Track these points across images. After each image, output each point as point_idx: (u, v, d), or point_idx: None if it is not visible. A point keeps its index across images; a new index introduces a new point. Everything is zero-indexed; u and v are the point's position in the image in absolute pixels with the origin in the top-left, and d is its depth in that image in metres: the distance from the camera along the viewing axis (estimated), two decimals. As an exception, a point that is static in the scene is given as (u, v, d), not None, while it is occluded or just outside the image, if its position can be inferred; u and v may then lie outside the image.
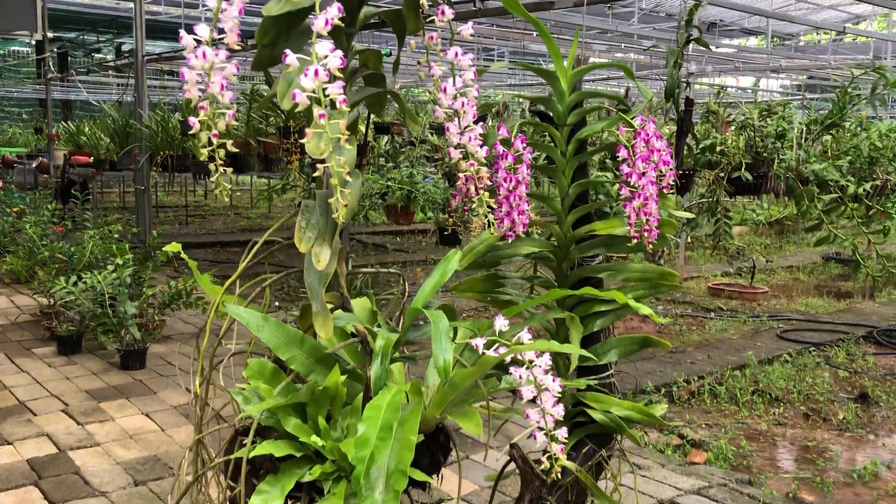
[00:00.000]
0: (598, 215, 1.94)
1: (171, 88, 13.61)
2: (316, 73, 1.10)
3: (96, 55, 19.76)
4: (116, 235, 6.46)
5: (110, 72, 12.37)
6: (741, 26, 15.41)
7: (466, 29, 1.51)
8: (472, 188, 1.56)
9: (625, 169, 1.70)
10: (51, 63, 10.73)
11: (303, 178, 6.50)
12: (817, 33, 19.93)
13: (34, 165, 12.33)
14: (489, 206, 1.56)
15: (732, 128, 7.41)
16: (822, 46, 18.79)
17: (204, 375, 1.53)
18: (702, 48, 4.79)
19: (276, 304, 7.02)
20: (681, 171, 3.82)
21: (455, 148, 1.54)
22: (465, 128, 1.53)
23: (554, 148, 1.77)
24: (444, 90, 1.48)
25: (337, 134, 1.14)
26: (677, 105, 3.81)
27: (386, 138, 7.98)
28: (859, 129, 5.41)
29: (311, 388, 1.37)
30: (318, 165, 1.18)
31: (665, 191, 1.74)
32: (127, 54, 14.00)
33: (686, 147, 4.02)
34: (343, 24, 1.20)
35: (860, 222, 4.73)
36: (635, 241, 1.69)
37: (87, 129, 11.02)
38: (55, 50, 16.37)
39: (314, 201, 1.33)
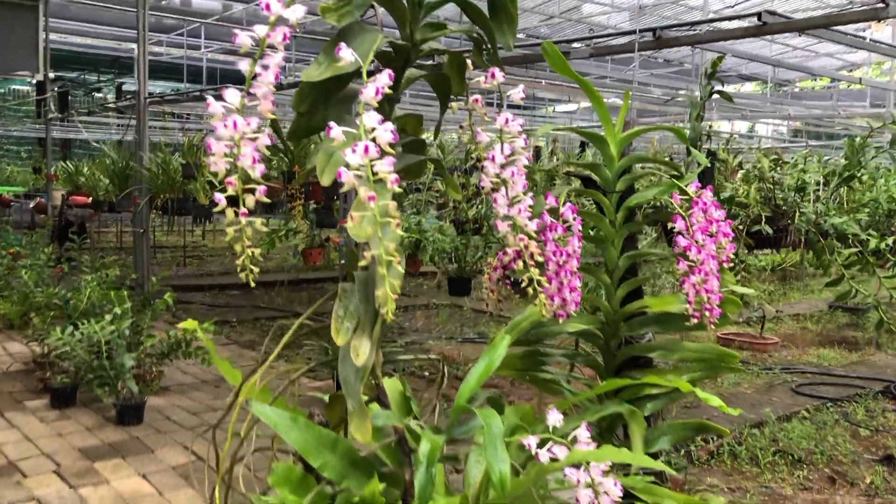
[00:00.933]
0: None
1: (173, 130, 13.56)
2: (366, 149, 0.96)
3: (97, 95, 19.78)
4: (114, 281, 6.30)
5: (110, 112, 12.31)
6: (738, 72, 15.49)
7: (517, 92, 1.37)
8: (521, 264, 1.41)
9: (681, 241, 1.56)
10: (51, 103, 10.64)
11: (306, 224, 6.37)
12: (813, 80, 20.07)
13: (32, 206, 12.19)
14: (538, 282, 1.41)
15: (739, 175, 7.30)
16: (818, 93, 18.92)
17: (224, 480, 1.36)
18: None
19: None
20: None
21: (502, 220, 1.39)
22: (514, 198, 1.39)
23: (602, 217, 1.63)
24: (492, 158, 1.35)
25: (386, 218, 0.99)
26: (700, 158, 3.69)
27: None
28: (875, 180, 5.31)
29: (346, 501, 1.20)
30: (366, 253, 1.03)
31: (725, 265, 1.60)
32: (129, 95, 13.96)
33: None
34: (391, 92, 1.07)
35: (883, 277, 4.60)
36: (695, 320, 1.54)
37: (86, 169, 10.90)
38: (56, 89, 16.36)
39: (352, 284, 1.18)
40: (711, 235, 1.58)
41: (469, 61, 1.39)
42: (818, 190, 4.71)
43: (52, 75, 11.57)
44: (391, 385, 1.53)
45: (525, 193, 1.39)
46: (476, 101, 1.41)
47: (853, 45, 4.31)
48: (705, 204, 1.58)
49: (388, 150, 0.99)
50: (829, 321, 9.52)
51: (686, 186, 1.61)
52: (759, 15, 3.27)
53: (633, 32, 3.85)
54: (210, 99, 1.05)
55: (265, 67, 1.05)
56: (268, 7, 1.02)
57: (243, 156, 1.05)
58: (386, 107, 1.27)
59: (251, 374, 1.49)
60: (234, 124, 1.03)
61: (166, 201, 7.66)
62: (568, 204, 1.52)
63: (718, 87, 3.66)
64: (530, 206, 1.39)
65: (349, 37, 1.09)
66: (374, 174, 1.00)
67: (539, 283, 1.39)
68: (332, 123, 1.00)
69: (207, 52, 14.35)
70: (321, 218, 6.43)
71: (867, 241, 4.61)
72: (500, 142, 1.38)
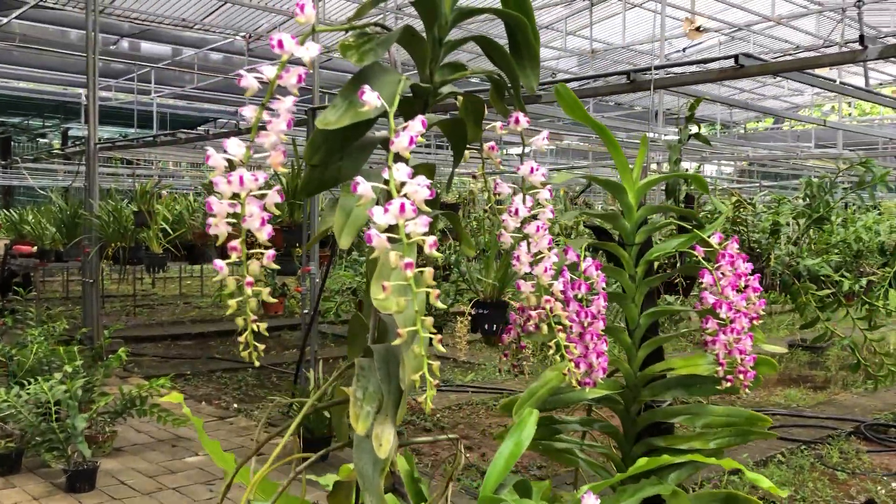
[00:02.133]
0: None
1: (122, 176, 13.23)
2: (402, 207, 0.82)
3: (41, 140, 19.27)
4: (62, 334, 5.99)
5: (56, 158, 11.95)
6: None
7: (540, 139, 1.25)
8: (545, 328, 1.27)
9: (708, 298, 1.44)
10: (-4, 150, 10.29)
11: (263, 272, 6.15)
12: (757, 121, 20.61)
13: (-28, 256, 11.69)
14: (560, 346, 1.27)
15: (701, 215, 7.27)
16: (764, 133, 19.40)
17: None
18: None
19: (235, 405, 6.56)
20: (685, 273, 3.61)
21: (524, 279, 1.25)
22: (537, 255, 1.25)
23: (621, 271, 1.50)
24: (516, 212, 1.21)
25: (424, 288, 0.84)
26: (677, 202, 3.63)
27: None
28: (843, 222, 5.33)
29: None
30: (400, 331, 0.88)
31: (755, 322, 1.48)
32: (77, 141, 13.59)
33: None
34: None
35: (856, 318, 4.57)
36: (727, 383, 1.42)
37: (31, 217, 10.50)
38: (10, 136, 15.92)
39: (371, 361, 1.03)
40: (740, 291, 1.47)
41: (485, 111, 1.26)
42: (789, 232, 4.70)
43: (-4, 121, 11.19)
44: (398, 464, 1.37)
45: (549, 249, 1.26)
46: (492, 147, 1.28)
47: (826, 87, 4.33)
48: (732, 256, 1.47)
49: (425, 208, 0.85)
50: (790, 360, 9.56)
51: (709, 237, 1.50)
52: (735, 57, 3.24)
53: (609, 75, 3.79)
54: (210, 151, 0.90)
55: (275, 114, 0.90)
56: (280, 45, 0.88)
57: (249, 216, 0.90)
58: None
59: (242, 463, 1.32)
60: (241, 180, 0.88)
61: (118, 250, 7.36)
62: (590, 259, 1.39)
63: (695, 130, 3.61)
64: (554, 264, 1.26)
65: (371, 78, 0.95)
66: (408, 236, 0.85)
67: (567, 348, 1.25)
68: (358, 179, 0.85)
69: (158, 96, 14.11)
70: (281, 265, 6.21)
71: (840, 283, 4.60)
72: (523, 193, 1.25)
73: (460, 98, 1.21)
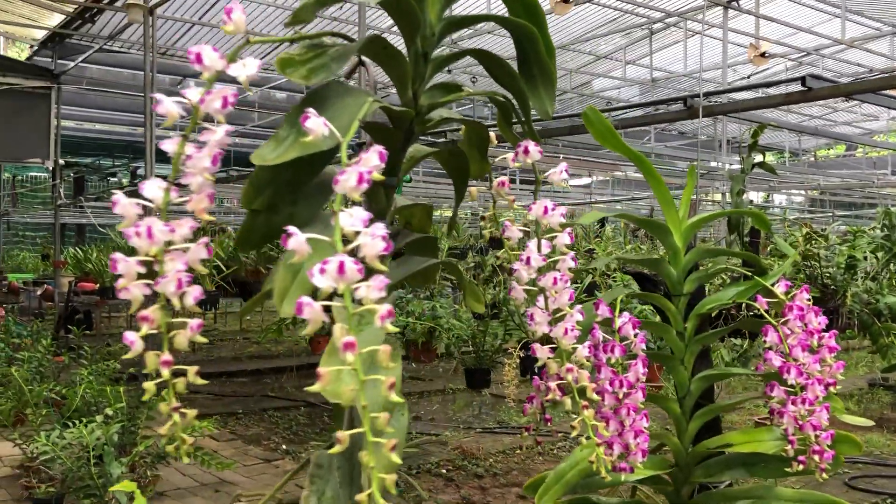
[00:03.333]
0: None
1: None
2: (341, 266, 0.61)
3: (112, 179, 19.83)
4: (114, 372, 5.95)
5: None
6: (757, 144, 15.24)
7: (557, 173, 1.03)
8: (569, 401, 1.04)
9: (773, 359, 1.19)
10: (61, 190, 10.54)
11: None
12: (828, 148, 19.83)
13: (39, 293, 11.96)
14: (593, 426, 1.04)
15: (769, 249, 6.92)
16: (835, 161, 18.65)
17: None
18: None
19: (284, 446, 6.40)
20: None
21: (542, 343, 1.03)
22: (557, 313, 1.03)
23: (668, 327, 1.26)
24: (527, 261, 0.99)
25: (376, 374, 0.63)
26: (741, 236, 3.34)
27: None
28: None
29: None
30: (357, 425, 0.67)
31: (832, 389, 1.22)
32: (140, 178, 13.86)
33: (753, 283, 3.53)
34: (382, 177, 0.72)
35: (945, 361, 4.17)
36: (800, 465, 1.16)
37: (94, 255, 10.69)
38: (71, 175, 16.39)
39: (329, 455, 0.82)
40: (813, 351, 1.21)
41: (493, 134, 1.05)
42: (867, 267, 4.34)
43: (62, 161, 11.48)
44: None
45: (572, 306, 1.04)
46: (502, 184, 1.07)
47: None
48: (802, 309, 1.22)
49: (378, 265, 0.64)
50: (870, 400, 8.97)
51: (774, 285, 1.25)
52: (802, 80, 2.96)
53: (664, 102, 3.55)
54: (118, 196, 0.71)
55: (198, 146, 0.71)
56: (199, 60, 0.69)
57: (165, 277, 0.71)
58: (382, 197, 0.93)
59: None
60: (150, 232, 0.69)
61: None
62: (627, 315, 1.16)
63: (759, 159, 3.33)
64: (579, 323, 1.04)
65: (325, 102, 0.76)
66: (357, 302, 0.65)
67: (595, 428, 1.02)
68: (291, 229, 0.65)
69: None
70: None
71: (926, 322, 4.20)
72: (537, 238, 1.03)
73: (464, 128, 1.01)
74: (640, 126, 3.76)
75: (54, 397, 5.54)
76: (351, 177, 0.64)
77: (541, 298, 1.04)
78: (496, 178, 1.08)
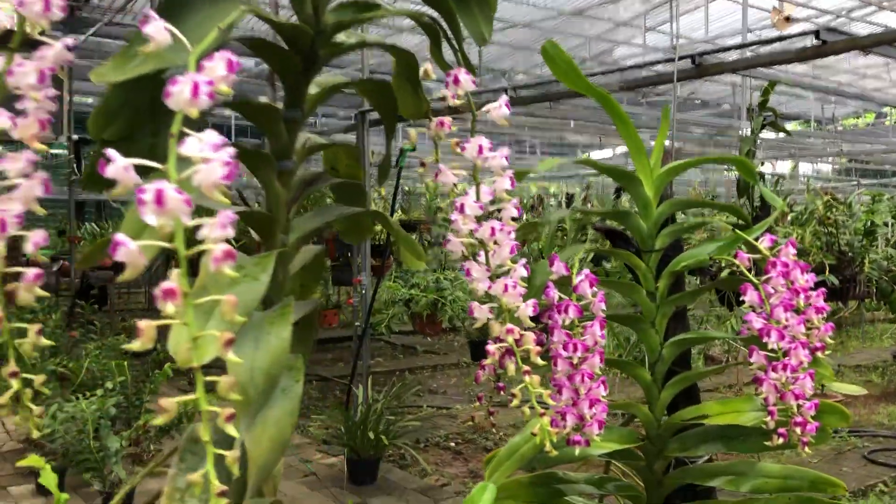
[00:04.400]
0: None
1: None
2: (159, 197, 0.50)
3: (130, 155, 19.82)
4: (121, 348, 5.91)
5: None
6: (780, 111, 14.90)
7: (497, 108, 0.90)
8: (511, 367, 0.93)
9: (754, 321, 1.06)
10: (74, 166, 10.53)
11: (320, 285, 5.93)
12: (856, 117, 19.34)
13: (55, 269, 12.01)
14: (540, 401, 0.92)
15: (789, 218, 6.72)
16: (864, 130, 18.17)
17: None
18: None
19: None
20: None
21: (482, 303, 0.92)
22: (499, 269, 0.91)
23: (637, 287, 1.14)
24: (461, 208, 0.88)
25: (216, 331, 0.52)
26: (752, 201, 3.19)
27: (413, 237, 7.45)
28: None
29: None
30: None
31: (819, 354, 1.10)
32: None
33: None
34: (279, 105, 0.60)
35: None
36: (780, 439, 1.04)
37: (109, 230, 10.69)
38: (89, 152, 16.42)
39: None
40: (798, 312, 1.08)
41: (429, 66, 0.92)
42: (887, 233, 4.16)
43: (76, 137, 11.45)
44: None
45: (515, 261, 0.92)
46: (440, 124, 0.94)
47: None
48: (786, 265, 1.09)
49: (218, 196, 0.53)
50: (895, 373, 8.76)
51: (757, 240, 1.12)
52: (816, 33, 2.79)
53: (669, 60, 3.39)
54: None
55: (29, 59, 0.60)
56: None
57: (-9, 218, 0.60)
58: (282, 131, 0.81)
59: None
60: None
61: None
62: (585, 272, 1.03)
63: (771, 118, 3.17)
64: (524, 280, 0.92)
65: (188, 7, 0.64)
66: (195, 244, 0.53)
67: (540, 397, 0.90)
68: (110, 153, 0.53)
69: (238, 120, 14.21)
70: (337, 275, 5.98)
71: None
72: (476, 184, 0.91)
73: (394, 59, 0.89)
74: (648, 86, 3.59)
75: (64, 371, 5.51)
76: (184, 88, 0.53)
77: (482, 254, 0.92)
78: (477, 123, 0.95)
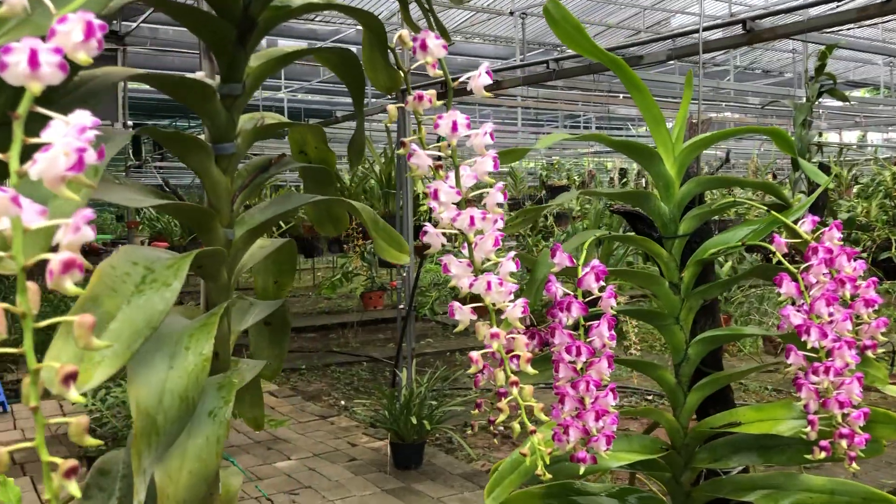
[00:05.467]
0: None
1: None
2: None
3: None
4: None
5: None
6: (846, 79, 14.30)
7: (477, 76, 0.78)
8: (501, 375, 0.82)
9: (792, 317, 0.92)
10: (130, 151, 10.71)
11: (365, 266, 5.87)
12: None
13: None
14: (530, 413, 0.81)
15: (854, 191, 6.40)
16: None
17: None
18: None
19: (342, 402, 6.33)
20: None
21: (464, 302, 0.80)
22: (485, 263, 0.80)
23: (658, 278, 1.00)
24: (435, 195, 0.76)
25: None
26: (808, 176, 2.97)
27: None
28: None
29: None
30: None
31: (871, 353, 0.95)
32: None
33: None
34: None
35: None
36: (823, 453, 0.90)
37: (164, 214, 10.84)
38: (146, 139, 16.73)
39: (118, 458, 0.61)
40: (845, 305, 0.94)
41: (405, 33, 0.80)
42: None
43: (130, 123, 11.64)
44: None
45: (500, 253, 0.80)
46: (419, 98, 0.82)
47: None
48: (830, 251, 0.94)
49: (69, 194, 0.42)
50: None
51: (797, 224, 0.97)
52: (880, -11, 2.56)
53: (719, 27, 3.18)
54: None
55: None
56: None
57: None
58: (220, 111, 0.70)
59: None
60: None
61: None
62: (593, 263, 0.90)
63: (830, 85, 2.94)
64: (513, 275, 0.80)
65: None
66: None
67: (530, 411, 0.79)
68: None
69: (288, 91, 14.23)
70: (384, 259, 5.88)
71: None
72: (455, 166, 0.79)
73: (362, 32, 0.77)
74: (693, 55, 3.37)
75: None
76: (21, 59, 0.42)
77: (464, 246, 0.80)
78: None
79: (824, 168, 3.08)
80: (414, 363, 4.77)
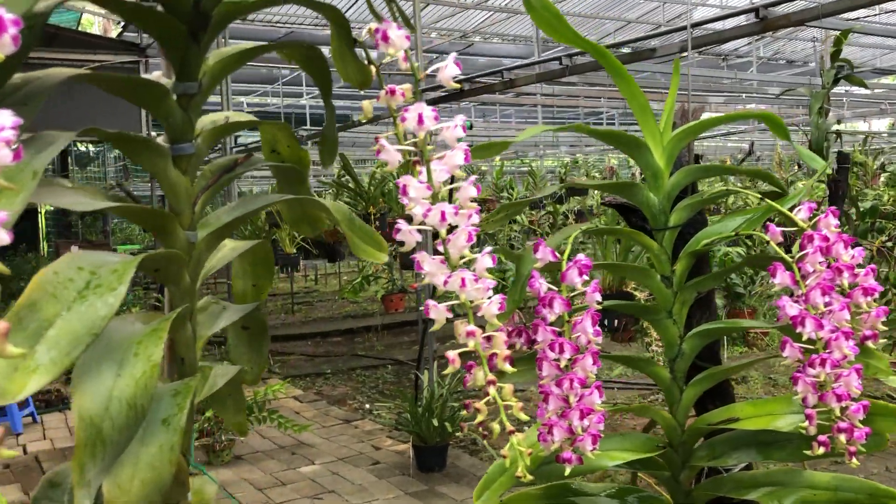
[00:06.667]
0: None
1: (266, 179, 13.60)
2: None
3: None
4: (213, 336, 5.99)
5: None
6: (873, 66, 14.06)
7: (444, 67, 0.76)
8: (480, 375, 0.80)
9: (788, 308, 0.89)
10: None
11: (386, 269, 5.87)
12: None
13: (142, 262, 12.39)
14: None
15: (882, 179, 6.28)
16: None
17: None
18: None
19: (367, 406, 6.33)
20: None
21: (437, 299, 0.78)
22: (461, 260, 0.78)
23: (649, 272, 0.98)
24: (404, 190, 0.74)
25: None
26: (828, 161, 2.91)
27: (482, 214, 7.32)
28: None
29: None
30: None
31: (871, 344, 0.92)
32: (235, 147, 14.06)
33: (843, 216, 3.08)
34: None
35: None
36: (821, 449, 0.87)
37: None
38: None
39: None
40: (843, 294, 0.91)
41: (373, 25, 0.78)
42: None
43: (153, 134, 11.77)
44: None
45: (475, 248, 0.78)
46: (391, 92, 0.80)
47: None
48: (826, 240, 0.91)
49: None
50: None
51: (793, 211, 0.94)
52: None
53: (732, 16, 3.13)
54: None
55: None
56: None
57: None
58: (176, 110, 0.69)
59: None
60: None
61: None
62: (581, 257, 0.88)
63: (846, 71, 2.88)
64: (490, 271, 0.78)
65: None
66: None
67: (509, 410, 0.77)
68: None
69: (309, 98, 14.30)
70: (405, 261, 5.90)
71: None
72: (425, 160, 0.77)
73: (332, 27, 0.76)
74: (708, 45, 3.28)
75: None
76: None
77: (438, 242, 0.78)
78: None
79: (843, 157, 3.02)
80: (436, 365, 4.75)
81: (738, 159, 7.32)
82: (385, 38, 0.72)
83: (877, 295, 0.92)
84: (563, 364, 0.84)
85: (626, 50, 3.97)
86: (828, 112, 2.89)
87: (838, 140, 3.06)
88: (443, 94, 4.99)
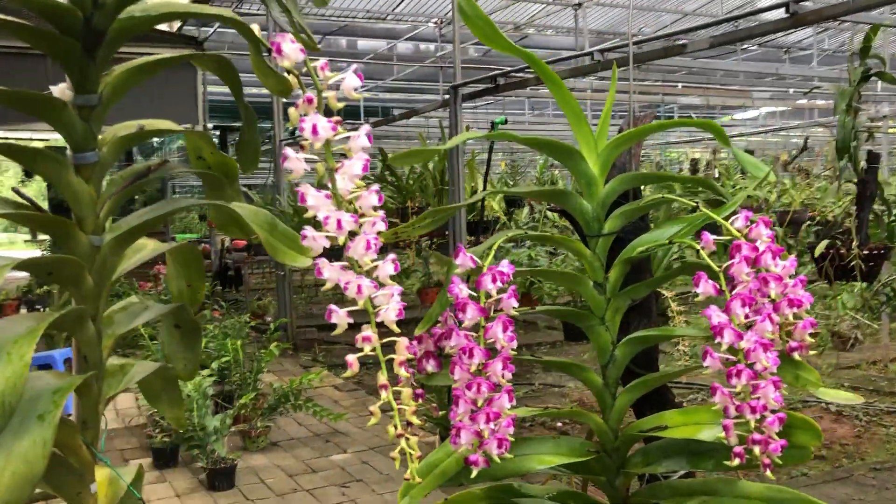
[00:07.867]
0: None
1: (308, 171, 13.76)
2: None
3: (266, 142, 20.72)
4: (244, 325, 6.13)
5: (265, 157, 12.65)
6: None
7: (344, 80, 0.79)
8: (382, 378, 0.82)
9: (714, 316, 0.89)
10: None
11: (420, 262, 5.91)
12: None
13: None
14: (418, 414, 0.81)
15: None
16: None
17: None
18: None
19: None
20: (865, 252, 2.81)
21: (341, 306, 0.81)
22: (373, 268, 0.80)
23: (581, 279, 0.98)
24: (302, 198, 0.77)
25: None
26: (856, 163, 2.83)
27: (525, 210, 7.30)
28: None
29: None
30: None
31: (797, 355, 0.91)
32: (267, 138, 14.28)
33: (872, 215, 2.99)
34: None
35: None
36: (736, 459, 0.86)
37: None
38: (235, 139, 17.29)
39: None
40: (774, 301, 0.90)
41: (293, 37, 0.81)
42: None
43: (210, 125, 12.04)
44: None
45: (381, 254, 0.80)
46: (309, 100, 0.83)
47: None
48: (755, 249, 0.90)
49: None
50: None
51: (730, 220, 0.94)
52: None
53: (761, 11, 3.05)
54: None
55: None
56: None
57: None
58: (76, 121, 0.72)
59: None
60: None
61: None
62: (505, 263, 0.89)
63: (876, 68, 2.79)
64: (395, 277, 0.80)
65: None
66: None
67: (402, 413, 0.79)
68: None
69: (364, 90, 14.44)
70: (443, 254, 5.93)
71: None
72: (328, 169, 0.80)
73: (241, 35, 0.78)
74: (737, 41, 3.18)
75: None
76: None
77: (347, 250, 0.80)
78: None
79: (873, 156, 2.93)
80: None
81: (792, 155, 7.17)
82: (279, 50, 0.74)
83: (807, 306, 0.91)
84: (473, 368, 0.85)
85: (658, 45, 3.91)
86: (857, 110, 2.81)
87: (870, 138, 2.98)
88: (480, 88, 4.99)
